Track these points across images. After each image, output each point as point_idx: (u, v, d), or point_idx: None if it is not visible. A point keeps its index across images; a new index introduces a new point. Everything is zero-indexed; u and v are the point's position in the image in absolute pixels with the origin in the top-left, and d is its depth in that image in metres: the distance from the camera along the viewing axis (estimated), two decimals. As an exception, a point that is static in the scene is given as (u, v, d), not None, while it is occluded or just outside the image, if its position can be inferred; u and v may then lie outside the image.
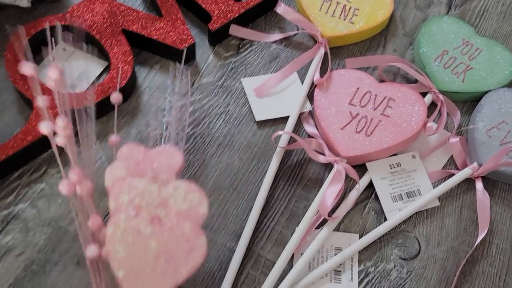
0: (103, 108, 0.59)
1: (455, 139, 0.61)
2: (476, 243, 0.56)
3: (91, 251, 0.37)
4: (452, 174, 0.60)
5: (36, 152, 0.57)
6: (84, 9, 0.63)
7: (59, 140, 0.39)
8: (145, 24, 0.62)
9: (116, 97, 0.47)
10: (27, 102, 0.59)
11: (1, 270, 0.52)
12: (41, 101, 0.39)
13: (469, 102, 0.66)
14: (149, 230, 0.36)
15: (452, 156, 0.62)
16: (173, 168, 0.39)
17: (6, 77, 0.61)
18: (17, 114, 0.59)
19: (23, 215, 0.54)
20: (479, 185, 0.59)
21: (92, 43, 0.63)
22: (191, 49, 0.63)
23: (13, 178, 0.56)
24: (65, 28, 0.62)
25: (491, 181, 0.61)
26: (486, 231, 0.57)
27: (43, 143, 0.56)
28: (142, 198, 0.37)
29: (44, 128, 0.38)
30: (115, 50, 0.60)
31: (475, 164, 0.60)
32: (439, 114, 0.63)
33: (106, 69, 0.63)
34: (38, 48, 0.63)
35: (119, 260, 0.36)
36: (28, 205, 0.55)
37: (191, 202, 0.36)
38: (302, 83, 0.64)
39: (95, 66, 0.63)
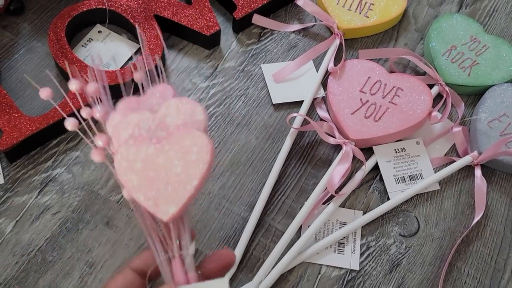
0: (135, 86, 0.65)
1: (458, 129, 0.66)
2: (472, 224, 0.61)
3: (125, 193, 0.36)
4: (453, 161, 0.65)
5: (73, 123, 0.63)
6: (120, -5, 0.68)
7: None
8: (175, 10, 0.68)
9: (138, 76, 0.41)
10: (66, 78, 0.65)
11: (39, 226, 0.58)
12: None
13: (473, 96, 0.70)
14: (152, 149, 0.34)
15: (454, 145, 0.67)
16: (165, 96, 0.37)
17: (49, 55, 0.67)
18: (57, 88, 0.65)
19: (59, 178, 0.60)
20: (477, 172, 0.64)
21: (126, 26, 0.69)
22: (216, 36, 0.69)
23: (52, 145, 0.62)
24: (103, 11, 0.68)
25: (489, 169, 0.65)
26: (482, 214, 0.61)
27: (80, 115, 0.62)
28: (140, 128, 0.35)
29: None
30: (147, 34, 0.66)
31: (475, 153, 0.64)
32: (444, 104, 0.67)
33: (138, 51, 0.69)
34: (77, 29, 0.69)
35: (135, 187, 0.34)
36: (64, 170, 0.61)
37: (186, 113, 0.35)
38: (317, 71, 0.69)
39: (127, 48, 0.68)
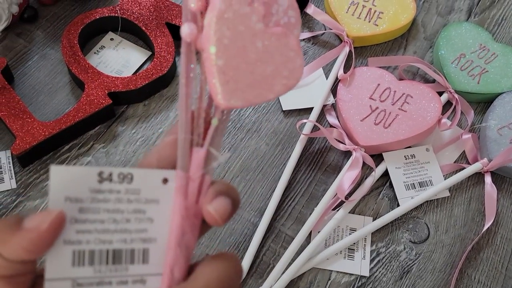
0: (146, 92, 0.66)
1: (467, 136, 0.66)
2: (482, 231, 0.61)
3: (186, 28, 0.29)
4: (463, 168, 0.65)
5: (85, 129, 0.64)
6: (132, 3, 0.69)
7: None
8: (186, 18, 0.69)
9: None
10: (79, 84, 0.66)
11: (51, 230, 0.58)
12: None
13: (482, 103, 0.71)
14: (259, 26, 0.30)
15: (464, 152, 0.67)
16: None
17: (62, 61, 0.68)
18: (69, 94, 0.66)
19: (71, 183, 0.61)
20: (487, 179, 0.64)
21: (138, 33, 0.70)
22: (227, 43, 0.69)
23: (64, 150, 0.63)
24: (115, 19, 0.69)
25: (499, 176, 0.65)
26: (492, 221, 0.61)
27: (92, 120, 0.63)
28: None
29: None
30: (159, 41, 0.67)
31: (485, 160, 0.64)
32: (454, 111, 0.67)
33: (149, 58, 0.69)
34: (90, 36, 0.70)
35: (220, 48, 0.29)
36: (76, 175, 0.61)
37: (289, 19, 0.31)
38: (327, 78, 0.70)
39: (139, 55, 0.69)
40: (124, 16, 0.68)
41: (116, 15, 0.68)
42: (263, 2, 0.30)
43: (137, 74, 0.65)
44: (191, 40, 0.29)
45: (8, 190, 0.60)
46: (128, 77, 0.64)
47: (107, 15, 0.68)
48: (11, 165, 0.61)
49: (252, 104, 0.29)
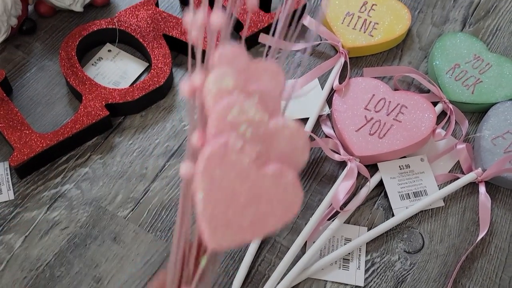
0: (143, 103, 0.66)
1: (462, 146, 0.66)
2: (476, 241, 0.61)
3: (185, 167, 0.30)
4: (458, 178, 0.65)
5: (82, 140, 0.64)
6: (130, 15, 0.70)
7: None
8: (183, 30, 0.69)
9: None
10: (76, 96, 0.66)
11: (48, 241, 0.59)
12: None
13: (477, 113, 0.71)
14: (250, 169, 0.29)
15: (458, 162, 0.67)
16: (279, 93, 0.32)
17: (60, 73, 0.68)
18: (67, 106, 0.67)
19: (68, 194, 0.62)
20: (482, 189, 0.64)
21: (136, 45, 0.70)
22: (223, 54, 0.70)
23: (61, 162, 0.63)
24: (112, 31, 0.69)
25: (493, 186, 0.66)
26: (486, 231, 0.61)
27: (89, 132, 0.64)
28: (249, 127, 0.30)
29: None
30: (156, 52, 0.68)
31: (479, 169, 0.64)
32: (448, 122, 0.68)
33: (146, 69, 0.70)
34: (88, 48, 0.71)
35: (207, 195, 0.29)
36: (73, 186, 0.62)
37: (295, 147, 0.30)
38: (322, 89, 0.70)
39: (136, 66, 0.70)
40: (122, 28, 0.69)
41: (114, 27, 0.69)
42: (260, 138, 0.30)
43: (134, 85, 0.66)
44: (188, 178, 0.30)
45: (5, 202, 0.60)
46: (125, 88, 0.65)
47: (104, 27, 0.69)
48: (9, 176, 0.62)
49: (244, 243, 0.30)
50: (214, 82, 0.30)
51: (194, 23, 0.29)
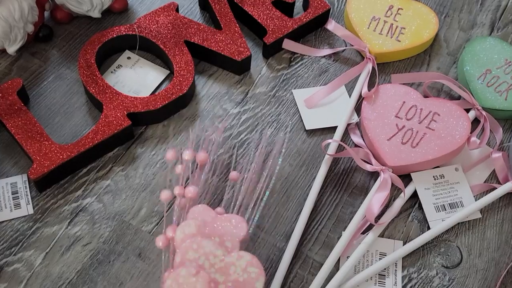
0: (166, 112, 0.64)
1: (497, 154, 0.64)
2: (517, 255, 0.58)
3: None
4: (494, 188, 0.62)
5: (103, 151, 0.62)
6: (150, 21, 0.67)
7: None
8: (205, 36, 0.67)
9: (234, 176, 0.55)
10: (96, 105, 0.64)
11: (69, 258, 0.56)
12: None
13: (511, 120, 0.69)
14: None
15: (494, 171, 0.64)
16: (238, 237, 0.42)
17: (78, 81, 0.66)
18: (86, 115, 0.64)
19: (90, 208, 0.59)
20: (520, 199, 0.62)
21: (156, 52, 0.68)
22: (247, 61, 0.68)
23: (81, 174, 0.61)
24: (132, 37, 0.67)
25: (532, 196, 0.63)
26: (527, 244, 0.59)
27: (110, 142, 0.61)
28: (206, 259, 0.39)
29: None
30: (178, 59, 0.65)
31: (516, 179, 0.62)
32: (482, 129, 0.65)
33: (167, 77, 0.67)
34: (106, 55, 0.68)
35: None
36: (94, 199, 0.59)
37: (249, 275, 0.38)
38: (350, 96, 0.68)
39: (157, 74, 0.68)
40: (142, 34, 0.67)
41: (134, 33, 0.67)
42: (218, 269, 0.39)
43: (157, 94, 0.63)
44: None
45: (24, 216, 0.58)
46: (147, 97, 0.62)
47: (124, 33, 0.67)
48: (28, 189, 0.59)
49: None
50: (181, 230, 0.42)
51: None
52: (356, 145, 0.65)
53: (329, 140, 0.63)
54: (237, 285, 0.38)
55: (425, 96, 0.67)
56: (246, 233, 0.43)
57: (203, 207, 0.44)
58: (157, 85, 0.67)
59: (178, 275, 0.38)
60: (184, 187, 0.47)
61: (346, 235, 0.58)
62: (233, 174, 0.52)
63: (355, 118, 0.66)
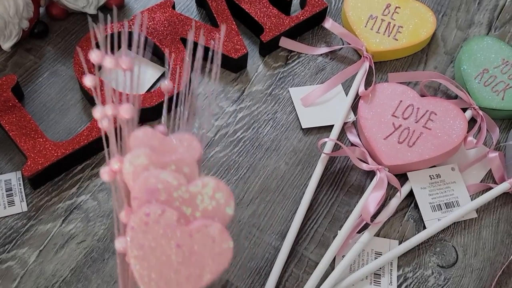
0: (162, 110, 0.63)
1: (494, 154, 0.63)
2: (512, 255, 0.58)
3: (120, 243, 0.34)
4: (490, 188, 0.62)
5: (98, 148, 0.61)
6: (146, 17, 0.67)
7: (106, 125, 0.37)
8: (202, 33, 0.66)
9: (166, 86, 0.42)
10: (91, 102, 0.63)
11: (64, 256, 0.56)
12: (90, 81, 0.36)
13: (507, 120, 0.68)
14: (174, 229, 0.33)
15: (490, 170, 0.64)
16: (194, 158, 0.36)
17: (73, 78, 0.65)
18: (81, 112, 0.64)
19: (84, 206, 0.58)
20: (516, 199, 0.61)
21: (152, 49, 0.68)
22: (244, 59, 0.67)
23: (76, 171, 0.60)
24: (128, 34, 0.66)
25: (528, 196, 0.63)
26: (523, 244, 0.59)
27: (106, 139, 0.60)
28: (169, 194, 0.33)
29: (97, 113, 0.36)
30: (174, 57, 0.65)
31: (513, 179, 0.62)
32: (479, 129, 0.65)
33: (163, 74, 0.67)
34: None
35: (139, 260, 0.33)
36: (89, 197, 0.59)
37: (218, 202, 0.34)
38: (346, 95, 0.68)
39: (153, 71, 0.67)
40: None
41: (130, 30, 0.66)
42: (182, 201, 0.33)
43: (153, 91, 0.63)
44: (123, 252, 0.34)
45: (18, 214, 0.57)
46: (143, 94, 0.62)
47: (120, 30, 0.66)
48: (22, 186, 0.58)
49: None
50: (130, 163, 0.34)
51: (103, 115, 0.35)
52: (352, 144, 0.65)
53: (326, 139, 0.62)
54: (207, 215, 0.33)
55: (422, 95, 0.67)
56: (200, 153, 0.36)
57: (146, 130, 0.36)
58: (152, 82, 0.66)
59: (142, 218, 0.32)
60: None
61: (341, 234, 0.57)
62: (164, 85, 0.41)
63: (352, 117, 0.66)
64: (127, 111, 0.35)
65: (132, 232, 0.32)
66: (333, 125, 0.65)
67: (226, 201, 0.34)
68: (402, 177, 0.63)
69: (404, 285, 0.57)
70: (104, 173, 0.35)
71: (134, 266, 0.33)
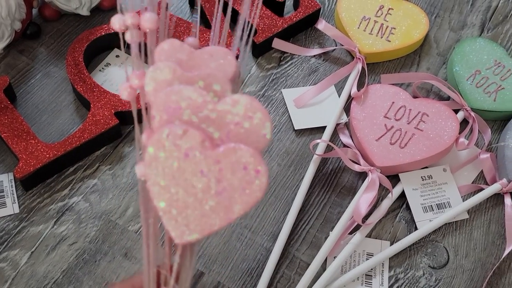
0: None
1: (485, 155, 0.64)
2: (503, 256, 0.58)
3: (139, 169, 0.30)
4: (482, 189, 0.62)
5: (91, 150, 0.61)
6: (139, 19, 0.67)
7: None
8: (194, 34, 0.67)
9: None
10: (84, 103, 0.64)
11: (55, 258, 0.56)
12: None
13: (499, 121, 0.69)
14: (198, 154, 0.28)
15: (482, 171, 0.65)
16: (227, 75, 0.31)
17: (66, 79, 0.65)
18: (74, 114, 0.64)
19: (76, 207, 0.58)
20: (507, 200, 0.62)
21: (145, 50, 0.68)
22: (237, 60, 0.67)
23: (68, 173, 0.60)
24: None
25: (519, 197, 0.63)
26: (513, 244, 0.59)
27: (98, 141, 0.61)
28: (194, 112, 0.28)
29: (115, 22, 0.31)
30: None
31: (504, 180, 0.62)
32: (471, 130, 0.65)
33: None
34: (95, 53, 0.68)
35: (160, 189, 0.28)
36: (81, 199, 0.59)
37: (251, 122, 0.28)
38: (339, 96, 0.68)
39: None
40: (131, 33, 0.66)
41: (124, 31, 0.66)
42: (209, 121, 0.28)
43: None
44: (144, 178, 0.29)
45: (10, 215, 0.57)
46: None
47: (112, 31, 0.66)
48: (14, 188, 0.58)
49: (213, 233, 0.28)
50: (151, 78, 0.29)
51: (124, 24, 0.30)
52: (344, 145, 0.65)
53: (318, 140, 0.63)
54: (238, 138, 0.28)
55: (415, 97, 0.67)
56: (236, 69, 0.31)
57: (174, 42, 0.32)
58: (145, 83, 0.66)
59: (161, 140, 0.28)
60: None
61: (333, 235, 0.58)
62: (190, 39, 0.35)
63: (344, 118, 0.66)
64: (149, 21, 0.30)
65: (149, 156, 0.28)
66: (325, 127, 0.65)
67: (262, 122, 0.28)
68: (394, 178, 0.63)
69: (396, 286, 0.57)
70: (123, 90, 0.30)
71: (154, 192, 0.29)
